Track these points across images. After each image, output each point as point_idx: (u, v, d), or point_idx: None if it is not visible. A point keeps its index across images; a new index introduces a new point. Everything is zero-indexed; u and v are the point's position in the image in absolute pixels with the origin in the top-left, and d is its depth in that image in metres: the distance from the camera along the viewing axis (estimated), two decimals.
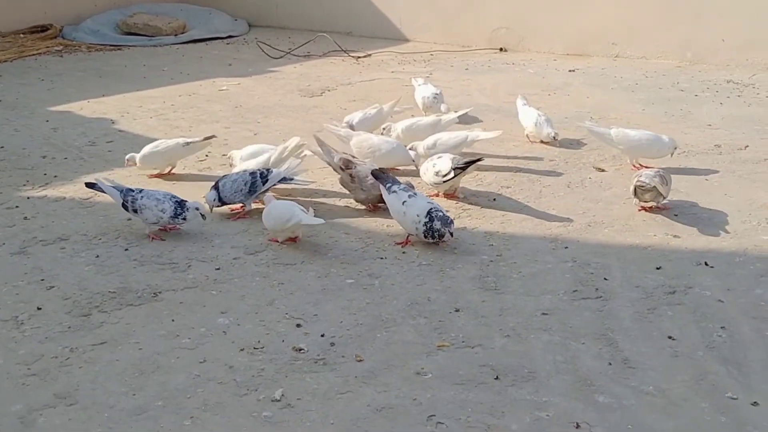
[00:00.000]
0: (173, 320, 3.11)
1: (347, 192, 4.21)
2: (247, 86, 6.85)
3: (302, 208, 3.72)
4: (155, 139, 4.78)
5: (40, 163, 4.91)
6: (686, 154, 4.92)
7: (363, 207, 4.16)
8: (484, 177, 4.60)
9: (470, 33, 8.32)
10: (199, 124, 5.70)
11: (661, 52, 7.56)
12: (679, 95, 6.36)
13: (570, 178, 4.61)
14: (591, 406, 2.58)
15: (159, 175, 4.65)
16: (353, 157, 4.27)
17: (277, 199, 3.99)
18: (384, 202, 3.91)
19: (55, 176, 4.67)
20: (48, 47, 8.23)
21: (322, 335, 2.99)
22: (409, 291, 3.32)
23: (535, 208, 4.17)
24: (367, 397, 2.63)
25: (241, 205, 4.09)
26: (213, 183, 4.09)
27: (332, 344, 2.94)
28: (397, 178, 3.98)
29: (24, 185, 4.54)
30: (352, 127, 4.90)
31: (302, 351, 2.89)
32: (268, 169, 4.11)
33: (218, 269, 3.52)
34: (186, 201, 3.81)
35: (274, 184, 4.10)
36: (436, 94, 5.60)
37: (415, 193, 3.78)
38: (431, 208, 3.62)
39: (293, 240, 3.77)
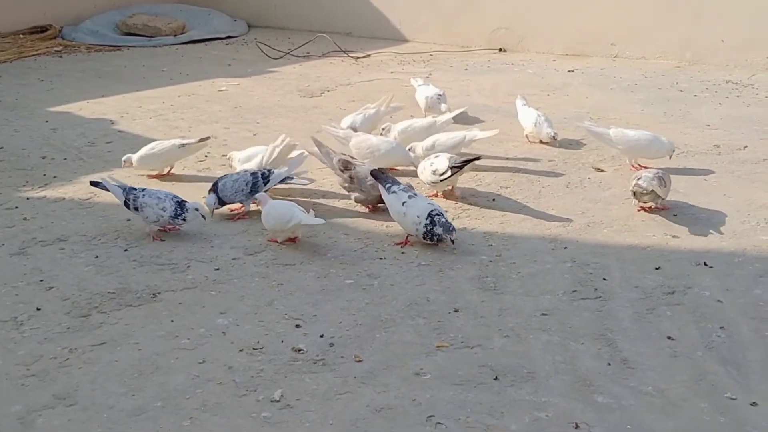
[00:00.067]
0: (172, 321, 3.11)
1: (346, 192, 4.21)
2: (246, 87, 6.85)
3: (302, 208, 3.72)
4: (154, 140, 4.79)
5: (39, 163, 4.91)
6: (685, 155, 4.93)
7: (362, 207, 4.16)
8: (483, 177, 4.60)
9: (469, 33, 8.32)
10: (199, 125, 5.71)
11: (661, 52, 7.56)
12: (678, 95, 6.36)
13: (569, 178, 4.61)
14: (590, 407, 2.59)
15: (158, 176, 4.65)
16: (352, 158, 4.28)
17: (274, 199, 3.99)
18: (383, 203, 3.91)
19: (55, 177, 4.67)
20: (47, 48, 8.23)
21: (322, 336, 2.99)
22: (408, 291, 3.33)
23: (535, 209, 4.17)
24: (367, 397, 2.64)
25: (241, 205, 4.09)
26: (211, 186, 4.08)
27: (331, 345, 2.94)
28: (397, 178, 3.98)
29: (23, 186, 4.54)
30: (354, 129, 4.90)
31: (301, 351, 2.89)
32: (269, 170, 4.11)
33: (217, 270, 3.53)
34: (186, 202, 3.81)
35: (276, 185, 4.10)
36: (440, 94, 5.61)
37: (415, 194, 3.78)
38: (432, 210, 3.63)
39: (293, 240, 3.77)
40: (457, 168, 4.10)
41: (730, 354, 2.86)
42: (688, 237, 3.81)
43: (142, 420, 2.53)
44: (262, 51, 8.10)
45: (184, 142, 4.61)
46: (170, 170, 4.70)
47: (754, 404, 2.59)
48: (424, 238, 3.64)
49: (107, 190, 3.90)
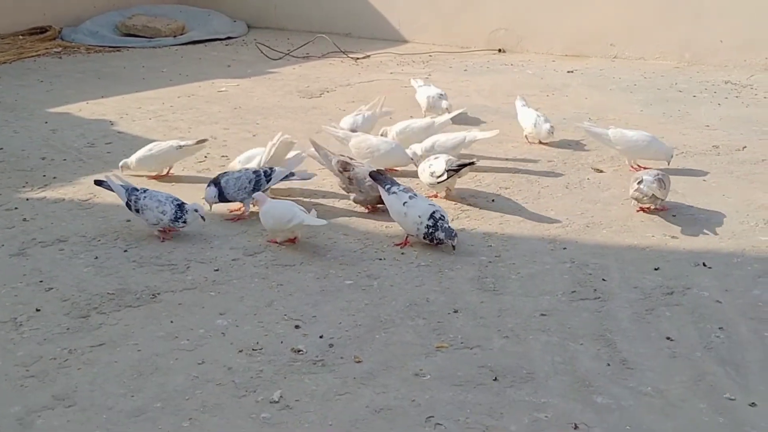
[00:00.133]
0: (172, 321, 3.11)
1: (345, 193, 4.22)
2: (246, 87, 6.85)
3: (302, 208, 3.73)
4: (154, 141, 4.79)
5: (39, 164, 4.91)
6: (684, 155, 4.93)
7: (361, 208, 4.16)
8: (482, 178, 4.61)
9: (469, 34, 8.33)
10: (198, 126, 5.71)
11: (660, 52, 7.57)
12: (678, 96, 6.36)
13: (568, 179, 4.62)
14: (589, 407, 2.59)
15: (157, 177, 4.65)
16: (350, 158, 4.28)
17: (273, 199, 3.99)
18: (382, 203, 3.91)
19: (54, 178, 4.67)
20: (47, 49, 8.23)
21: (321, 336, 2.99)
22: (407, 292, 3.33)
23: (534, 209, 4.17)
24: (366, 398, 2.64)
25: (240, 205, 4.10)
26: (211, 180, 4.08)
27: (331, 345, 2.94)
28: (396, 179, 3.98)
29: (23, 187, 4.54)
30: (355, 129, 4.91)
31: (301, 352, 2.89)
32: (271, 168, 4.11)
33: (217, 270, 3.53)
34: (186, 203, 3.81)
35: (278, 182, 4.11)
36: (441, 93, 5.62)
37: (416, 194, 3.79)
38: (434, 211, 3.63)
39: (292, 241, 3.77)
40: (453, 171, 4.11)
41: (729, 354, 2.87)
42: (687, 237, 3.81)
43: (141, 421, 2.53)
44: (262, 52, 8.10)
45: (182, 143, 4.60)
46: (169, 171, 4.70)
47: (753, 405, 2.59)
48: (425, 238, 3.64)
49: (111, 189, 3.91)
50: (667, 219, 4.01)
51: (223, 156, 5.01)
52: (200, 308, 3.21)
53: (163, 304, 3.25)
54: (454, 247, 3.61)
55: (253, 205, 3.98)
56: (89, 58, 8.07)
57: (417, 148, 4.62)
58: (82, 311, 3.18)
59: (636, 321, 3.10)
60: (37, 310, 3.19)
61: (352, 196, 4.14)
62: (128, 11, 9.19)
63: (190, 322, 3.11)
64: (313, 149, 4.36)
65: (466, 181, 4.45)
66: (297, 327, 3.06)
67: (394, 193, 3.77)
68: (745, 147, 5.08)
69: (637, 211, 4.09)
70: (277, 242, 3.76)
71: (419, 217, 3.63)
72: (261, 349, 2.92)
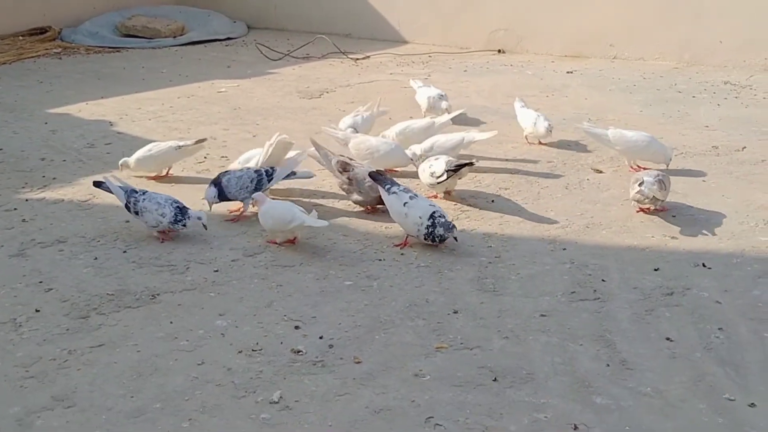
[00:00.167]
0: (171, 322, 3.11)
1: (345, 194, 4.22)
2: (245, 88, 6.85)
3: (302, 209, 3.73)
4: (153, 141, 4.79)
5: (38, 165, 4.91)
6: (684, 156, 4.93)
7: (361, 209, 4.16)
8: (482, 178, 4.61)
9: (469, 35, 8.33)
10: (198, 126, 5.71)
11: (659, 53, 7.57)
12: (677, 96, 6.37)
13: (568, 179, 4.62)
14: (589, 408, 2.59)
15: (156, 177, 4.65)
16: (350, 159, 4.28)
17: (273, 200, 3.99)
18: (382, 204, 3.91)
19: (54, 178, 4.67)
20: (47, 49, 8.23)
21: (321, 337, 2.99)
22: (407, 292, 3.33)
23: (534, 210, 4.17)
24: (366, 398, 2.64)
25: (240, 205, 4.10)
26: (212, 180, 4.08)
27: (330, 346, 2.94)
28: (395, 179, 3.98)
29: (22, 187, 4.54)
30: (355, 130, 4.91)
31: (300, 353, 2.89)
32: (272, 167, 4.11)
33: (217, 271, 3.53)
34: (188, 208, 3.79)
35: (279, 181, 4.10)
36: (441, 94, 5.62)
37: (416, 195, 3.79)
38: (434, 211, 3.64)
39: (292, 242, 3.77)
40: (452, 171, 4.11)
41: (729, 355, 2.87)
42: (686, 238, 3.81)
43: (140, 421, 2.53)
44: (262, 52, 8.10)
45: (181, 144, 4.60)
46: (168, 171, 4.70)
47: (752, 405, 2.59)
48: (426, 239, 3.64)
49: (110, 191, 3.90)
50: (666, 219, 4.01)
51: (222, 156, 5.01)
52: (200, 309, 3.21)
53: (162, 304, 3.25)
54: (456, 238, 3.61)
55: (253, 206, 3.98)
56: (89, 58, 8.07)
57: (416, 149, 4.62)
58: (81, 312, 3.18)
59: (636, 321, 3.10)
60: (37, 311, 3.19)
61: (352, 196, 4.15)
62: (128, 12, 9.19)
63: (190, 323, 3.11)
64: (313, 149, 4.36)
65: (465, 181, 4.45)
66: (297, 328, 3.06)
67: (394, 193, 3.77)
68: (744, 147, 5.08)
69: (637, 211, 4.09)
70: (276, 243, 3.76)
71: (420, 217, 3.63)
72: (261, 349, 2.92)
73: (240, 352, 2.91)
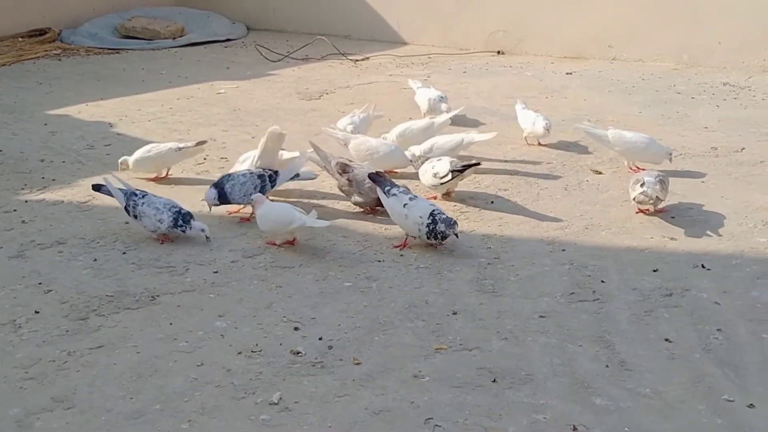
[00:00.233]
0: (171, 324, 3.11)
1: (345, 195, 4.22)
2: (245, 89, 6.86)
3: (301, 210, 3.73)
4: (153, 143, 4.79)
5: (38, 166, 4.91)
6: (683, 157, 4.94)
7: (361, 210, 4.17)
8: (481, 180, 4.61)
9: (468, 36, 8.34)
10: (197, 128, 5.71)
11: (658, 54, 7.58)
12: (676, 98, 6.37)
13: (567, 180, 4.62)
14: (588, 409, 2.59)
15: (156, 179, 4.65)
16: (350, 160, 4.28)
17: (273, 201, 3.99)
18: (382, 205, 3.91)
19: (53, 180, 4.67)
20: (46, 51, 8.23)
21: (320, 338, 2.99)
22: (406, 294, 3.33)
23: (533, 211, 4.18)
24: (365, 400, 2.64)
25: (240, 207, 4.10)
26: (215, 182, 4.06)
27: (330, 347, 2.94)
28: (395, 180, 3.98)
29: (22, 189, 4.54)
30: (355, 131, 4.91)
31: (300, 354, 2.89)
32: (275, 171, 4.10)
33: (216, 272, 3.53)
34: (192, 218, 3.77)
35: (282, 184, 4.10)
36: (441, 96, 5.63)
37: (416, 196, 3.79)
38: (434, 210, 3.64)
39: (291, 243, 3.77)
40: (458, 172, 4.11)
41: (728, 356, 2.87)
42: (685, 239, 3.81)
43: (140, 423, 2.53)
44: (261, 54, 8.10)
45: (181, 145, 4.60)
46: (168, 172, 4.69)
47: (751, 406, 2.60)
48: (428, 238, 3.64)
49: (110, 194, 3.89)
50: (665, 221, 4.02)
51: (222, 158, 5.01)
52: (199, 310, 3.22)
53: (162, 306, 3.25)
54: (457, 235, 3.61)
55: (251, 207, 3.97)
56: (88, 60, 8.08)
57: (415, 150, 4.63)
58: (81, 313, 3.18)
59: (635, 322, 3.10)
60: (36, 312, 3.19)
61: (352, 198, 4.15)
62: (127, 13, 9.19)
63: (189, 324, 3.11)
64: (312, 151, 4.36)
65: (465, 182, 4.45)
66: (296, 329, 3.07)
67: (394, 195, 3.78)
68: (743, 148, 5.09)
69: (636, 212, 4.10)
70: (276, 244, 3.76)
71: (420, 217, 3.64)
72: (260, 351, 2.92)
73: (239, 353, 2.91)
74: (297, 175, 4.17)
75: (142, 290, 3.36)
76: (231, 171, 4.37)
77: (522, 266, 3.56)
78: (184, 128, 5.71)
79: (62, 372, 2.80)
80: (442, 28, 8.49)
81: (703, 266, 3.52)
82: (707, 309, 3.19)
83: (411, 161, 4.54)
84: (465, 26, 8.36)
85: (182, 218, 3.73)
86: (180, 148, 4.57)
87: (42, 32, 8.66)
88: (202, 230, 3.75)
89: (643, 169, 4.49)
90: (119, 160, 4.60)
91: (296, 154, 4.44)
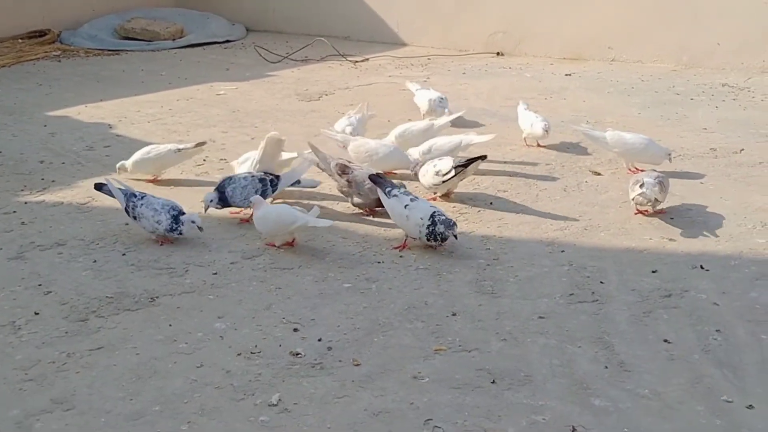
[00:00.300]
0: (170, 325, 3.12)
1: (344, 196, 4.22)
2: (244, 90, 6.86)
3: (301, 209, 3.73)
4: (152, 144, 4.79)
5: (37, 168, 4.92)
6: (682, 158, 4.94)
7: (360, 211, 4.17)
8: (480, 181, 4.62)
9: (467, 37, 8.35)
10: (197, 129, 5.71)
11: (657, 55, 7.59)
12: (675, 99, 6.38)
13: (566, 181, 4.63)
14: (587, 410, 2.59)
15: (154, 180, 4.65)
16: (349, 162, 4.29)
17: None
18: (382, 206, 3.92)
19: (53, 181, 4.68)
20: (46, 52, 8.23)
21: (320, 340, 3.00)
22: (406, 295, 3.33)
23: (532, 212, 4.18)
24: (364, 401, 2.64)
25: (241, 209, 4.10)
26: (217, 185, 4.06)
27: (329, 348, 2.94)
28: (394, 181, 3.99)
29: (22, 190, 4.54)
30: (358, 133, 4.92)
31: (299, 355, 2.90)
32: (277, 175, 4.10)
33: (215, 274, 3.53)
34: (182, 213, 3.77)
35: (283, 189, 4.11)
36: (442, 97, 5.64)
37: (416, 197, 3.80)
38: (434, 212, 3.64)
39: (291, 244, 3.77)
40: (461, 167, 4.11)
41: (727, 357, 2.87)
42: (684, 240, 3.82)
43: (140, 424, 2.54)
44: (261, 55, 8.11)
45: (180, 147, 4.60)
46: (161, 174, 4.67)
47: (750, 407, 2.60)
48: (428, 239, 3.65)
49: (111, 194, 3.90)
50: (664, 221, 4.02)
51: (221, 159, 5.01)
52: (199, 312, 3.22)
53: (161, 307, 3.25)
54: (456, 236, 3.62)
55: (249, 208, 3.97)
56: (88, 61, 8.08)
57: (414, 151, 4.63)
58: (80, 315, 3.18)
59: (634, 323, 3.10)
60: (36, 314, 3.19)
61: (352, 199, 4.15)
62: (127, 14, 9.20)
63: (189, 326, 3.11)
64: (310, 152, 4.36)
65: (464, 183, 4.46)
66: (295, 330, 3.07)
67: (395, 196, 3.78)
68: (742, 150, 5.09)
69: (635, 213, 4.10)
70: (275, 245, 3.77)
71: (421, 219, 3.64)
72: (259, 352, 2.92)
73: (239, 354, 2.91)
74: (298, 182, 4.17)
75: (142, 291, 3.37)
76: (229, 170, 4.38)
77: (521, 267, 3.56)
78: (183, 129, 5.72)
79: (62, 373, 2.80)
80: (441, 30, 8.50)
81: (702, 267, 3.53)
82: (706, 310, 3.19)
83: (412, 168, 4.48)
84: (464, 27, 8.37)
85: (175, 220, 3.71)
86: (179, 149, 4.57)
87: (42, 33, 8.67)
88: (193, 221, 3.74)
89: (643, 170, 4.49)
90: (117, 165, 4.59)
91: (294, 154, 4.44)
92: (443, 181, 4.16)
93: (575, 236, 3.89)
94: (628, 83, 6.88)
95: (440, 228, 3.60)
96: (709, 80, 6.89)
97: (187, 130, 5.70)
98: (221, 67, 7.77)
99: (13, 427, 2.54)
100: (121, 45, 8.65)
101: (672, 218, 4.05)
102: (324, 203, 4.32)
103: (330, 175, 4.29)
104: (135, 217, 3.79)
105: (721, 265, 3.54)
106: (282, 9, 9.44)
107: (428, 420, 2.54)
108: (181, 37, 8.91)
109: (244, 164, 4.39)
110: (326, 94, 6.69)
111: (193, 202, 4.18)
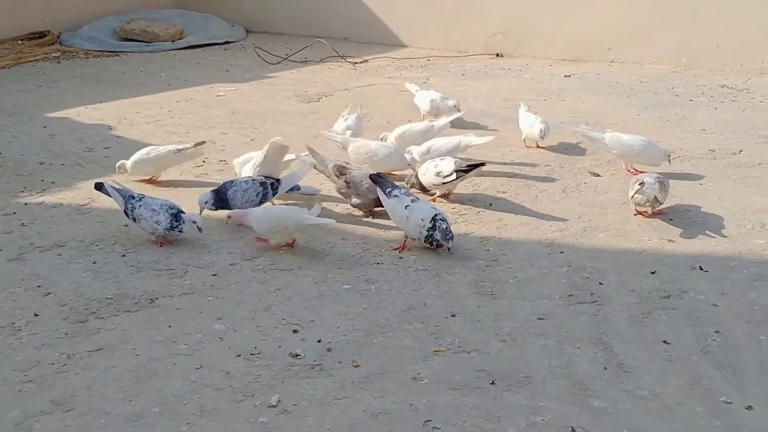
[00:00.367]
0: (170, 326, 3.12)
1: (343, 198, 4.23)
2: (244, 92, 6.87)
3: (300, 209, 3.74)
4: (152, 145, 4.79)
5: (37, 169, 4.92)
6: (681, 159, 4.95)
7: (359, 212, 4.17)
8: (480, 182, 4.62)
9: (467, 38, 8.35)
10: (196, 130, 5.72)
11: (656, 57, 7.59)
12: (674, 100, 6.39)
13: (565, 183, 4.63)
14: (586, 411, 2.60)
15: (153, 181, 4.65)
16: (346, 163, 4.29)
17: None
18: (381, 206, 3.92)
19: (53, 182, 4.68)
20: (46, 53, 8.23)
21: (319, 341, 3.00)
22: (405, 296, 3.34)
23: (531, 213, 4.18)
24: (364, 402, 2.64)
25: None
26: (217, 188, 4.06)
27: (329, 350, 2.95)
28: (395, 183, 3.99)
29: (21, 191, 4.54)
30: (355, 134, 4.92)
31: (299, 357, 2.90)
32: (277, 179, 4.11)
33: (215, 275, 3.53)
34: (183, 212, 3.79)
35: (283, 193, 4.11)
36: (444, 97, 5.65)
37: (417, 198, 3.80)
38: (436, 214, 3.64)
39: (290, 245, 3.78)
40: (462, 172, 4.11)
41: (726, 358, 2.88)
42: (683, 241, 3.82)
43: (139, 425, 2.54)
44: (260, 56, 8.11)
45: (180, 147, 4.60)
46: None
47: (749, 408, 2.60)
48: (426, 241, 3.65)
49: (109, 195, 3.90)
50: (664, 222, 4.02)
51: (221, 160, 5.02)
52: (198, 313, 3.22)
53: (161, 308, 3.25)
54: (449, 249, 3.62)
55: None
56: (88, 62, 8.09)
57: (414, 152, 4.63)
58: (80, 316, 3.19)
59: (633, 324, 3.11)
60: (36, 315, 3.20)
61: (351, 200, 4.15)
62: (126, 16, 9.20)
63: (188, 327, 3.11)
64: (307, 154, 4.36)
65: (463, 185, 4.46)
66: (295, 331, 3.07)
67: (395, 196, 3.78)
68: (741, 151, 5.10)
69: (635, 214, 4.10)
70: (265, 241, 3.75)
71: (422, 220, 3.64)
72: (259, 353, 2.92)
73: (238, 355, 2.91)
74: (297, 188, 4.17)
75: (141, 293, 3.37)
76: (229, 170, 4.38)
77: (520, 268, 3.56)
78: (183, 131, 5.72)
79: (61, 375, 2.80)
80: (441, 31, 8.51)
81: (701, 268, 3.53)
82: (705, 311, 3.19)
83: (410, 165, 4.53)
84: (464, 29, 8.37)
85: (174, 219, 3.72)
86: (179, 150, 4.57)
87: (41, 35, 8.68)
88: (194, 221, 3.74)
89: (642, 172, 4.49)
90: (117, 164, 4.60)
91: (292, 156, 4.45)
92: (443, 183, 4.17)
93: (574, 237, 3.89)
94: (628, 84, 6.89)
95: (437, 235, 3.60)
96: (708, 81, 6.90)
97: (187, 131, 5.71)
98: (221, 69, 7.77)
99: (13, 428, 2.54)
100: (121, 46, 8.65)
101: (671, 219, 4.06)
102: (323, 204, 4.32)
103: (328, 177, 4.29)
104: (134, 219, 3.79)
105: (720, 266, 3.54)
106: (281, 10, 9.45)
107: (427, 421, 2.54)
108: (180, 39, 8.92)
109: (246, 165, 4.39)
110: (326, 96, 6.70)
111: (192, 203, 4.18)
